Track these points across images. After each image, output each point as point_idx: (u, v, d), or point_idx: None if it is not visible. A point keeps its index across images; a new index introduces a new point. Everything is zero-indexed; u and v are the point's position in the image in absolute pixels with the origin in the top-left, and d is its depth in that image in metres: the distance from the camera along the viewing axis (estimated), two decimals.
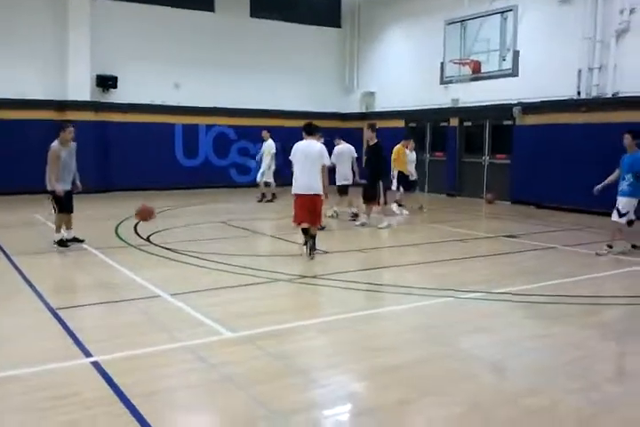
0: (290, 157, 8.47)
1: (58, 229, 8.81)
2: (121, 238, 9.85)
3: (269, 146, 15.46)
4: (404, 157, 13.38)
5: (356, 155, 12.59)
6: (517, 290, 6.78)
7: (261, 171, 15.56)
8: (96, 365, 4.38)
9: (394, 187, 13.54)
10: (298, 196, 8.30)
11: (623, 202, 8.56)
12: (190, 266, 7.81)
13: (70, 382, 4.13)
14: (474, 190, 16.85)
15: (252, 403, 3.88)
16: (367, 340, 5.17)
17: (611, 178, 8.96)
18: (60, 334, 5.07)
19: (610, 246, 8.71)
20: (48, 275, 7.63)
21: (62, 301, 6.15)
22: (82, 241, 9.01)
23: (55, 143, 8.68)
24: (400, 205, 13.56)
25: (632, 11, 13.18)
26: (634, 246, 8.91)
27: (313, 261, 8.26)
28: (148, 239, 9.71)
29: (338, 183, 12.33)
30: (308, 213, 8.27)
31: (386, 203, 11.89)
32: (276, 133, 19.82)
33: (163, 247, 9.00)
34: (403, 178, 13.51)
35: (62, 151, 8.66)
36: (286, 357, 4.65)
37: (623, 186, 8.62)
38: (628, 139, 8.71)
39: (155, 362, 4.54)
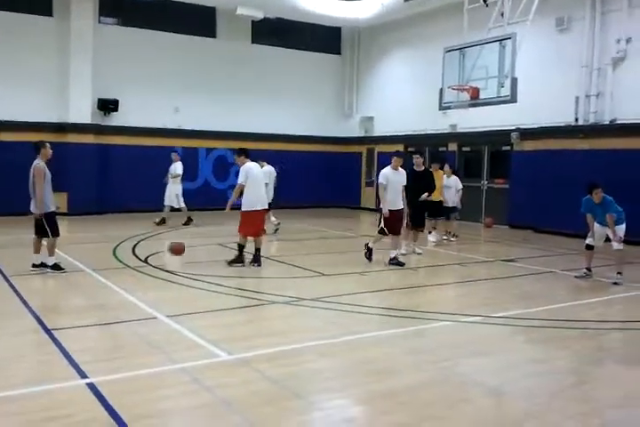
0: (244, 181, 9.23)
1: (52, 253, 8.55)
2: (119, 260, 9.82)
3: (175, 167, 15.05)
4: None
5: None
6: (517, 314, 6.75)
7: (177, 193, 14.96)
8: (91, 386, 4.33)
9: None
10: (259, 211, 9.36)
11: (621, 230, 8.63)
12: (187, 288, 7.77)
13: (65, 404, 4.08)
14: (472, 214, 16.86)
15: None
16: (366, 363, 5.12)
17: (590, 224, 8.93)
18: (55, 355, 5.02)
19: (620, 273, 8.73)
20: (44, 295, 7.60)
21: (58, 321, 6.11)
22: (47, 266, 8.57)
23: (39, 161, 8.42)
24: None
25: (628, 40, 13.41)
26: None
27: (313, 283, 8.26)
28: (145, 261, 9.69)
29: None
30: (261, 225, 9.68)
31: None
32: (275, 157, 20.01)
33: (160, 269, 8.97)
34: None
35: (46, 169, 8.44)
36: (283, 380, 4.60)
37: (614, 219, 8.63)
38: (597, 194, 8.63)
39: (150, 384, 4.49)
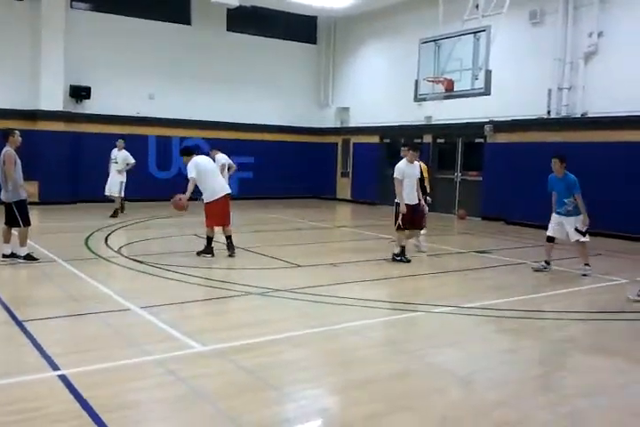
0: (195, 175, 9.23)
1: (24, 243, 8.45)
2: (91, 250, 9.72)
3: (127, 156, 14.57)
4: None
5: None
6: (487, 305, 6.85)
7: (122, 181, 14.40)
8: (63, 378, 4.30)
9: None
10: (221, 200, 9.31)
11: (579, 220, 8.53)
12: (161, 279, 7.73)
13: (37, 396, 4.04)
14: (446, 206, 17.03)
15: (222, 418, 3.85)
16: (340, 354, 5.17)
17: (555, 201, 8.88)
18: (26, 347, 4.96)
19: (588, 264, 8.74)
20: (15, 287, 7.49)
21: (30, 313, 6.03)
22: (18, 256, 8.49)
23: (9, 148, 8.30)
24: None
25: (600, 34, 13.58)
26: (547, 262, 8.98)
27: (287, 274, 8.29)
28: (118, 251, 9.60)
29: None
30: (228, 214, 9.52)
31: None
32: (251, 147, 19.96)
33: (134, 260, 8.90)
34: None
35: (16, 157, 8.33)
36: (258, 371, 4.62)
37: (569, 207, 8.56)
38: (557, 163, 8.68)
39: (124, 376, 4.47)
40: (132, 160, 14.57)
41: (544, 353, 5.44)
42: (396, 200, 9.44)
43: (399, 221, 9.30)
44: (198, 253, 9.38)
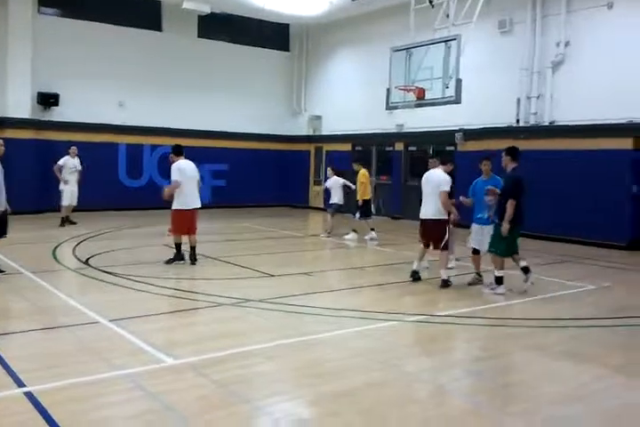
0: (179, 179, 9.16)
1: None
2: (58, 261, 9.51)
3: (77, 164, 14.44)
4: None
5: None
6: (461, 313, 6.87)
7: (73, 190, 14.22)
8: (29, 395, 4.17)
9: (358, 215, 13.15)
10: (188, 210, 9.28)
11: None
12: (130, 290, 7.59)
13: (1, 415, 3.91)
14: (418, 214, 17.06)
15: None
16: (313, 365, 5.11)
17: (468, 202, 8.53)
18: None
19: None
20: None
21: None
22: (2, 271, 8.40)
23: None
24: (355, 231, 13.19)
25: (567, 44, 13.85)
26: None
27: (259, 284, 8.22)
28: (86, 262, 9.41)
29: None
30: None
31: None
32: (223, 155, 19.83)
33: (102, 271, 8.73)
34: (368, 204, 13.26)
35: None
36: (230, 384, 4.54)
37: (491, 213, 8.08)
38: (487, 165, 8.37)
39: (92, 391, 4.35)
40: (79, 167, 14.49)
41: (517, 361, 5.46)
42: (440, 217, 8.49)
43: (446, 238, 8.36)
44: (169, 262, 9.26)
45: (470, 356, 5.55)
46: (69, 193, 14.15)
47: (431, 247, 8.62)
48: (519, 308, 7.39)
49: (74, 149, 14.42)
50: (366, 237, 12.98)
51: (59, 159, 14.23)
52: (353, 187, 13.46)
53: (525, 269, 8.08)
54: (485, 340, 6.04)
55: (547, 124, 14.21)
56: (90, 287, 7.93)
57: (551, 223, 13.36)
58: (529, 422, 4.04)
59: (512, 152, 8.09)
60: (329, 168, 14.49)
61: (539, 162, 13.65)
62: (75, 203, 14.32)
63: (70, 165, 14.22)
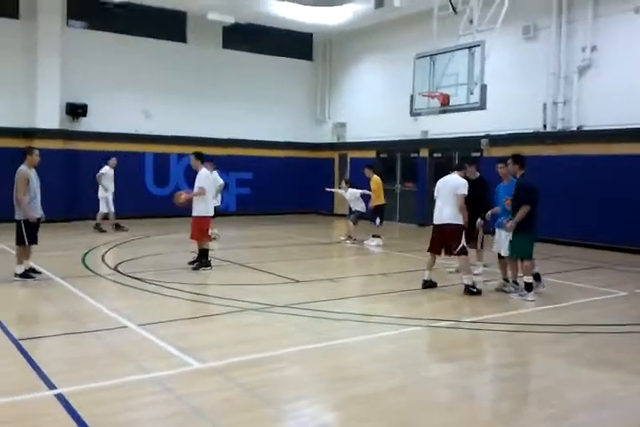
0: (206, 186, 9.46)
1: (20, 261, 8.46)
2: (88, 268, 9.67)
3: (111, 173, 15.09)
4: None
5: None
6: (487, 319, 6.82)
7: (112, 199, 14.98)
8: (60, 397, 4.25)
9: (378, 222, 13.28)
10: (210, 217, 9.71)
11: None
12: (158, 296, 7.69)
13: (33, 415, 3.99)
14: None
15: None
16: (338, 370, 5.12)
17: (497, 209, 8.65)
18: (23, 366, 4.92)
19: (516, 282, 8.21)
20: (11, 305, 7.42)
21: (26, 331, 6.00)
22: (39, 273, 8.72)
23: (23, 167, 8.48)
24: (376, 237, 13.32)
25: (593, 48, 13.72)
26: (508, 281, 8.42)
27: (285, 290, 8.26)
28: (115, 269, 9.56)
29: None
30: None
31: (482, 246, 9.74)
32: (248, 163, 20.00)
33: (131, 277, 8.85)
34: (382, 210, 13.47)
35: (31, 174, 8.49)
36: (256, 388, 4.57)
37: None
38: (503, 168, 8.42)
39: (121, 394, 4.42)
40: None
41: (545, 367, 5.39)
42: (457, 222, 8.26)
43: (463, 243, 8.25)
44: (196, 268, 9.36)
45: (496, 362, 5.51)
46: (108, 201, 14.83)
47: (442, 253, 8.53)
48: (547, 314, 7.30)
49: (114, 161, 15.08)
50: (366, 242, 13.16)
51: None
52: (370, 193, 13.52)
53: (536, 277, 8.18)
54: (511, 346, 5.98)
55: (574, 129, 14.06)
56: (119, 293, 8.06)
57: (583, 229, 13.21)
58: None
59: (519, 159, 8.18)
60: (343, 181, 14.71)
61: (568, 167, 13.54)
62: (112, 210, 14.85)
63: (110, 174, 14.91)
